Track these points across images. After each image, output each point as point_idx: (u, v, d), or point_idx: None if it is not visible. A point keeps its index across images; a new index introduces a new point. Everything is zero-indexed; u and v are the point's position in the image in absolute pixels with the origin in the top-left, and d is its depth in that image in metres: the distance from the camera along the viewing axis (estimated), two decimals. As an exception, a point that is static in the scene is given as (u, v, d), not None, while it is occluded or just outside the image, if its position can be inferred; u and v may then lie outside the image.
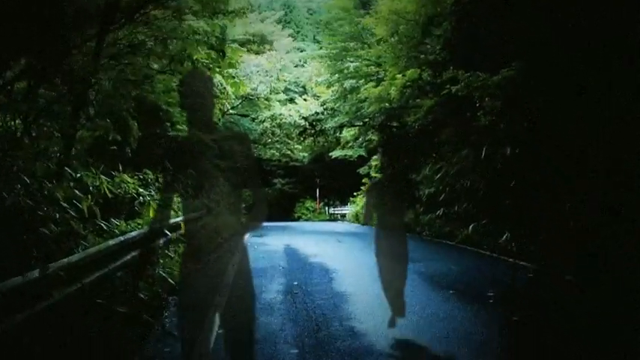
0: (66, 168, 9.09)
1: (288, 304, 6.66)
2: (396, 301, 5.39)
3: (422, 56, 13.27)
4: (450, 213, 15.38)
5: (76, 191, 6.56)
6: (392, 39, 16.11)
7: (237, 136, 3.68)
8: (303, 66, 43.52)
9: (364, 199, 6.81)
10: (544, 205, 10.13)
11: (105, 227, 6.34)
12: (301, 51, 47.43)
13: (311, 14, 53.64)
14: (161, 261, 7.73)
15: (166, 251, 8.59)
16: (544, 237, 10.12)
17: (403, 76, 13.56)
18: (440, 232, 16.43)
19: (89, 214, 6.73)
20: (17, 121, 11.24)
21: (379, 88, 16.29)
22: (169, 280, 6.62)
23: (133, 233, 6.56)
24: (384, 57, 17.38)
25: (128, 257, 5.65)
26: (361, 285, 7.96)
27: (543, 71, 9.68)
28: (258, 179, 3.52)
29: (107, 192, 8.71)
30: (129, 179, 9.86)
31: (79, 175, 8.80)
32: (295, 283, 8.16)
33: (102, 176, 9.15)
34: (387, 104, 16.32)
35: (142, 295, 5.51)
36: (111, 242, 5.14)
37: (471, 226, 13.23)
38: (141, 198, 10.60)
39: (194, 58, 11.67)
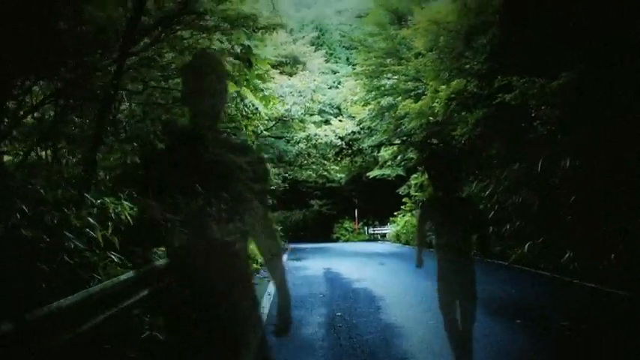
0: (86, 195, 8.57)
1: (332, 340, 5.83)
2: (462, 346, 4.48)
3: (467, 66, 12.42)
4: (501, 232, 14.33)
5: (90, 219, 5.91)
6: (431, 53, 15.32)
7: (240, 147, 2.77)
8: (337, 87, 42.97)
9: (417, 220, 5.85)
10: (613, 221, 9.09)
11: (116, 259, 5.66)
12: (335, 73, 47.10)
13: (343, 36, 53.16)
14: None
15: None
16: (615, 257, 9.06)
17: (448, 87, 12.70)
18: (491, 252, 15.36)
19: (105, 244, 6.11)
20: (46, 149, 10.94)
21: (420, 102, 15.49)
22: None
23: (156, 264, 5.87)
24: (422, 71, 16.60)
25: (146, 292, 4.94)
26: (412, 315, 7.10)
27: (608, 75, 8.73)
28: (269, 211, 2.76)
29: (129, 218, 8.13)
30: (154, 204, 9.24)
31: (99, 201, 8.27)
32: (339, 314, 7.33)
33: (125, 202, 8.59)
34: (429, 119, 15.47)
35: (159, 335, 4.78)
36: (122, 277, 4.43)
37: (526, 245, 12.17)
38: (169, 224, 10.00)
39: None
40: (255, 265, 13.48)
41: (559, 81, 9.21)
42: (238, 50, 8.28)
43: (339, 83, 44.84)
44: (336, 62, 51.22)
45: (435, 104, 13.60)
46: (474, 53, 12.51)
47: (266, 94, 6.62)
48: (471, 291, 4.63)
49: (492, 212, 15.33)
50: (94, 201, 8.47)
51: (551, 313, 7.15)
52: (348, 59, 46.57)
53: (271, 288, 9.87)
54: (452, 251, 4.63)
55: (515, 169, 12.96)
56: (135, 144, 14.34)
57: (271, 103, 13.12)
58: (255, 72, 11.09)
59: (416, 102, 16.19)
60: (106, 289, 3.61)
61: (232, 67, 7.81)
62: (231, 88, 15.96)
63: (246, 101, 17.24)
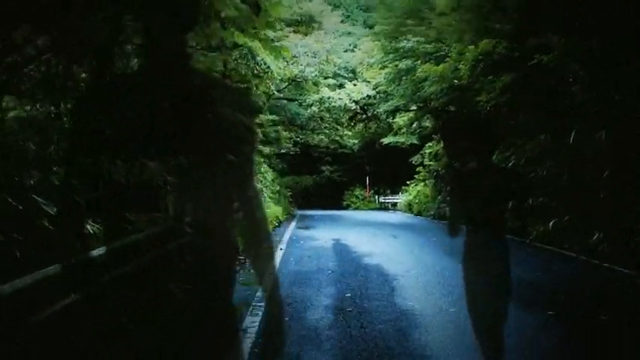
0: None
1: (340, 329, 5.11)
2: (493, 347, 3.71)
3: (497, 26, 11.37)
4: (522, 207, 13.48)
5: (73, 180, 5.16)
6: (455, 13, 14.20)
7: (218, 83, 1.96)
8: (353, 51, 41.64)
9: (448, 195, 5.02)
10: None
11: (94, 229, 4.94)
12: (351, 35, 45.64)
13: (361, -3, 51.63)
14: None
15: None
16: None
17: (475, 48, 11.65)
18: (509, 228, 14.53)
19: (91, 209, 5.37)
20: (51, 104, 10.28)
21: (442, 65, 14.47)
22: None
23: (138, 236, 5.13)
24: (445, 33, 15.49)
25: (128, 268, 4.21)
26: (431, 299, 6.39)
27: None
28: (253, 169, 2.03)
29: (122, 180, 7.42)
30: (151, 165, 8.49)
31: (90, 159, 7.52)
32: (348, 294, 6.63)
33: (118, 162, 7.87)
34: (454, 82, 14.44)
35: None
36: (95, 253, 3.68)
37: (551, 223, 11.34)
38: (168, 187, 9.28)
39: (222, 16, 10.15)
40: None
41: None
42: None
43: (355, 46, 43.53)
44: (353, 24, 49.70)
45: (460, 67, 12.53)
46: (503, 12, 11.45)
47: (277, 44, 5.81)
48: (504, 284, 3.88)
49: (512, 186, 14.50)
50: (84, 159, 7.78)
51: (585, 302, 6.39)
52: (365, 22, 45.11)
53: (275, 261, 9.22)
54: (477, 228, 3.87)
55: (542, 139, 12.03)
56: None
57: (282, 55, 12.08)
58: (266, 20, 10.09)
59: (437, 65, 15.15)
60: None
61: (238, 12, 6.93)
62: (239, 39, 14.99)
63: (258, 59, 16.33)
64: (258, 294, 5.76)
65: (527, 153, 13.96)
